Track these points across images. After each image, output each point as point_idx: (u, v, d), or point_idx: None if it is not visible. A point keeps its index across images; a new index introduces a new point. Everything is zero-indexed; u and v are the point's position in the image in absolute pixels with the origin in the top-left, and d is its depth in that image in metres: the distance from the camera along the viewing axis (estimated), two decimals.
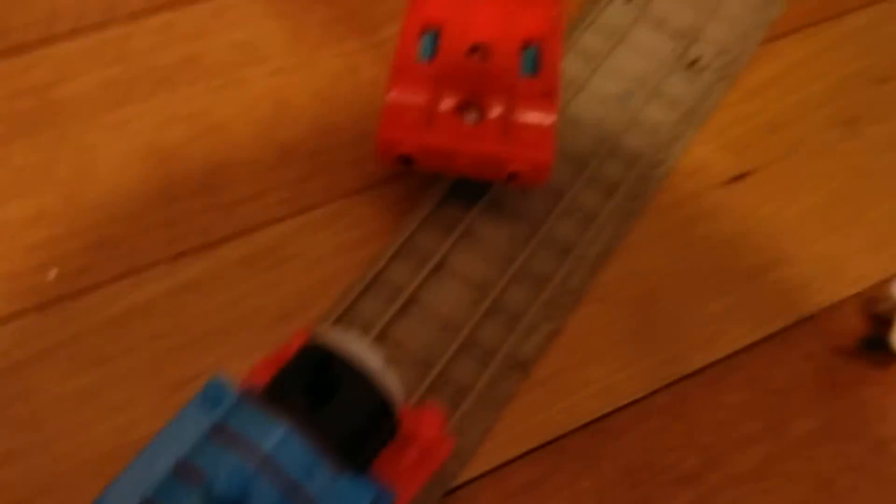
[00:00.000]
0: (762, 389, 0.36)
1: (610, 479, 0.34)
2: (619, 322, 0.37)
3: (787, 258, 0.39)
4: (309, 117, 0.40)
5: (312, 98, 0.41)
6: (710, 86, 0.42)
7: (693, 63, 0.43)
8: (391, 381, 0.27)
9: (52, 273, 0.36)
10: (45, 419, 0.33)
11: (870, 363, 0.37)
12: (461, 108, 0.36)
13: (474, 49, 0.36)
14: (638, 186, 0.39)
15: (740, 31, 0.44)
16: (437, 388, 0.34)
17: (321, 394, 0.26)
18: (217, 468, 0.24)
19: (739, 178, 0.41)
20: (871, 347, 0.37)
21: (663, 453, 0.35)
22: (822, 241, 0.40)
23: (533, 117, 0.35)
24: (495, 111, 0.35)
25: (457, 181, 0.38)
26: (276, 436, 0.24)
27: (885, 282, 0.38)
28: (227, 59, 0.41)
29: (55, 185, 0.38)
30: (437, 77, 0.35)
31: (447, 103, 0.35)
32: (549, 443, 0.34)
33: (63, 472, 0.32)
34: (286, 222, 0.38)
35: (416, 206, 0.38)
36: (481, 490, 0.33)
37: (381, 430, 0.27)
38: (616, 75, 0.42)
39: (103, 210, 0.37)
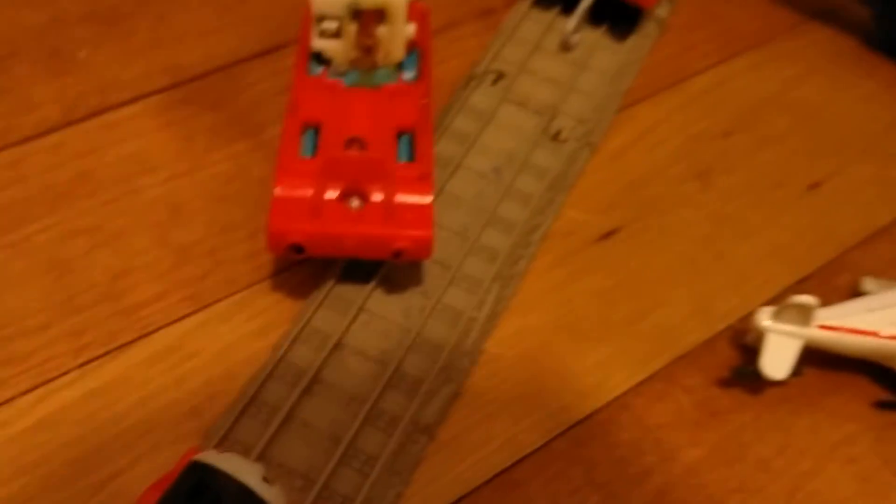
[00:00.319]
0: (650, 425, 0.39)
1: None
2: (514, 378, 0.40)
3: (659, 303, 0.43)
4: (203, 218, 0.43)
5: (206, 200, 0.43)
6: (574, 154, 0.46)
7: (556, 135, 0.46)
8: (270, 496, 0.28)
9: None
10: None
11: (744, 390, 0.41)
12: (345, 197, 0.38)
13: (352, 142, 0.39)
14: (517, 251, 0.42)
15: (596, 103, 0.48)
16: (346, 461, 0.36)
17: None
18: None
19: (609, 234, 0.45)
20: (743, 376, 0.40)
21: (566, 496, 0.37)
22: (690, 284, 0.44)
23: (412, 199, 0.38)
24: (377, 196, 0.38)
25: (349, 264, 0.41)
26: None
27: (750, 314, 0.42)
28: (119, 172, 0.43)
29: None
30: (319, 170, 0.38)
31: (331, 193, 0.38)
32: (461, 499, 0.36)
33: None
34: (189, 319, 0.40)
35: (312, 292, 0.40)
36: None
37: None
38: (488, 152, 0.45)
39: (11, 326, 0.38)
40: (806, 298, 0.38)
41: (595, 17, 0.52)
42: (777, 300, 0.41)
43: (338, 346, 0.39)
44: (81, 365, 0.38)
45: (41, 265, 0.40)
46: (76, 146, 0.44)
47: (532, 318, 0.42)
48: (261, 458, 0.35)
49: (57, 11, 0.49)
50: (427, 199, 0.38)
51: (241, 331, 0.40)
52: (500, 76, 0.48)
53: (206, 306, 0.40)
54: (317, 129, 0.40)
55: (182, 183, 0.44)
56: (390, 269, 0.41)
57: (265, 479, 0.29)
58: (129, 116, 0.46)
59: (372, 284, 0.40)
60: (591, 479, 0.38)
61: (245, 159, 0.45)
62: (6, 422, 0.36)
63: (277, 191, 0.38)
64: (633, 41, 0.52)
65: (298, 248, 0.37)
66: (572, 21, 0.50)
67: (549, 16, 0.52)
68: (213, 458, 0.29)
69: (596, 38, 0.51)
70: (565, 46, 0.50)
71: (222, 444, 0.36)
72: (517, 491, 0.37)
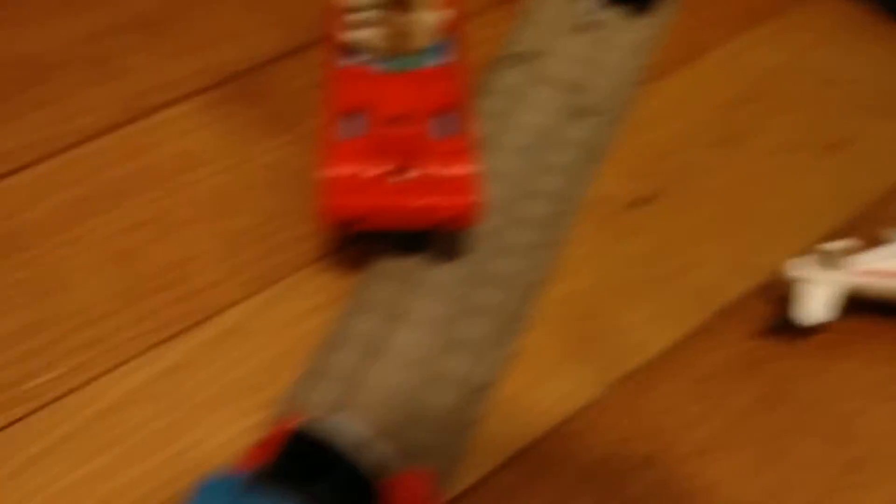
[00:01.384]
0: (696, 377, 0.41)
1: (580, 473, 0.38)
2: (565, 337, 0.41)
3: (697, 262, 0.44)
4: (254, 207, 0.45)
5: (254, 190, 0.45)
6: (603, 127, 0.48)
7: (585, 111, 0.48)
8: (375, 453, 0.30)
9: (40, 380, 0.39)
10: None
11: (783, 340, 0.42)
12: (391, 172, 0.40)
13: (394, 120, 0.41)
14: (558, 219, 0.44)
15: (620, 78, 0.50)
16: (413, 421, 0.38)
17: (308, 473, 0.29)
18: None
19: (644, 201, 0.47)
20: (781, 326, 0.42)
21: (623, 443, 0.39)
22: (725, 243, 0.45)
23: (456, 170, 0.40)
24: (422, 170, 0.40)
25: (398, 238, 0.42)
26: None
27: (783, 267, 0.44)
28: (172, 167, 0.46)
29: (35, 298, 0.41)
30: (365, 148, 0.40)
31: (377, 170, 0.40)
32: (526, 450, 0.38)
33: None
34: (248, 302, 0.42)
35: (364, 268, 0.42)
36: (473, 499, 0.37)
37: (366, 488, 0.30)
38: (522, 130, 0.47)
39: (81, 315, 0.40)
40: (836, 244, 0.40)
41: None
42: (807, 252, 0.42)
43: (393, 316, 0.40)
44: (151, 347, 0.40)
45: (107, 256, 0.42)
46: (129, 146, 0.46)
47: (577, 282, 0.43)
48: None
49: (101, 22, 0.51)
50: (471, 170, 0.40)
51: (298, 309, 0.41)
52: (525, 57, 0.50)
53: (262, 289, 0.42)
54: (358, 115, 0.42)
55: (231, 175, 0.46)
56: (438, 244, 0.43)
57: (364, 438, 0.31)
58: (176, 116, 0.48)
59: (421, 257, 0.42)
60: (644, 427, 0.39)
61: (287, 151, 0.47)
62: (86, 402, 0.38)
63: (327, 170, 0.39)
64: (652, 18, 0.54)
65: (351, 223, 0.39)
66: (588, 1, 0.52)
67: None
68: (313, 423, 0.31)
69: (615, 17, 0.53)
70: (585, 26, 0.52)
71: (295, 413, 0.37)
72: (574, 441, 0.39)
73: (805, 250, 0.43)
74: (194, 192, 0.45)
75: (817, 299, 0.41)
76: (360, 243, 0.43)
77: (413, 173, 0.40)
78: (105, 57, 0.49)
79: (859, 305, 0.42)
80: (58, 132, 0.46)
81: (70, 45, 0.50)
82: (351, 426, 0.31)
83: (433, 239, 0.43)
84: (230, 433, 0.38)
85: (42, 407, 0.38)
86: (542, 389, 0.40)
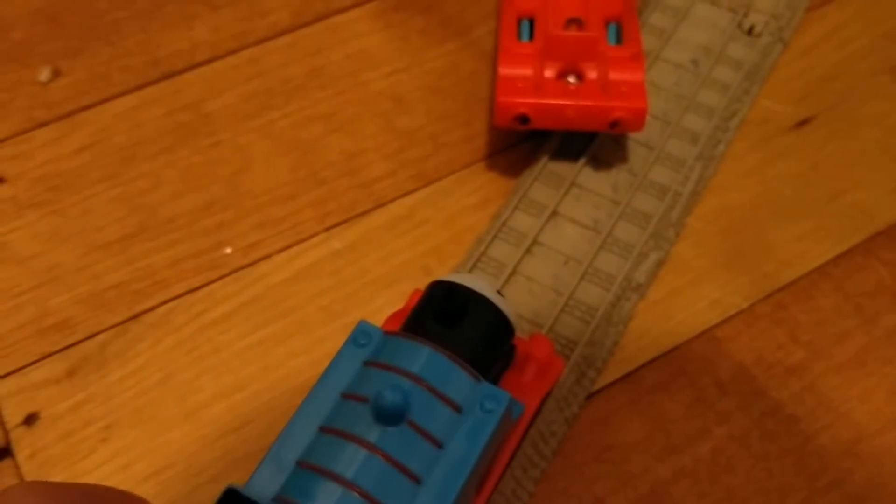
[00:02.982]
0: (850, 293, 0.41)
1: (727, 375, 0.39)
2: (717, 248, 0.42)
3: (855, 185, 0.45)
4: (423, 107, 0.47)
5: (424, 92, 0.47)
6: (767, 48, 0.48)
7: (750, 30, 0.49)
8: (506, 305, 0.32)
9: (228, 249, 0.42)
10: (247, 362, 0.39)
11: None
12: (563, 74, 0.42)
13: (568, 24, 0.42)
14: (717, 135, 0.45)
15: (787, 1, 0.50)
16: (568, 311, 0.39)
17: (450, 321, 0.31)
18: (379, 387, 0.27)
19: (803, 123, 0.47)
20: None
21: (771, 351, 0.40)
22: (886, 168, 0.45)
23: (625, 75, 0.41)
24: (592, 74, 0.41)
25: (561, 144, 0.44)
26: (420, 358, 0.28)
27: None
28: (346, 67, 0.48)
29: (219, 179, 0.44)
30: (538, 52, 0.42)
31: (550, 72, 0.41)
32: (671, 351, 0.40)
33: (261, 405, 0.38)
34: (416, 193, 0.44)
35: (524, 170, 0.44)
36: (618, 392, 0.38)
37: (503, 345, 0.32)
38: (684, 46, 0.48)
39: (263, 196, 0.44)
40: None
41: None
42: None
43: (553, 214, 0.42)
44: (327, 229, 0.43)
45: (285, 145, 0.45)
46: (306, 46, 0.49)
47: (732, 196, 0.44)
48: None
49: None
50: (639, 76, 0.41)
51: (463, 203, 0.44)
52: None
53: (430, 182, 0.44)
54: (530, 21, 0.44)
55: (402, 77, 0.48)
56: (598, 150, 0.44)
57: (498, 293, 0.32)
58: (351, 20, 0.50)
59: (582, 162, 0.44)
60: (793, 337, 0.40)
61: (456, 56, 0.49)
62: (266, 274, 0.41)
63: (502, 70, 0.41)
64: None
65: (524, 119, 0.40)
66: None
67: None
68: (454, 276, 0.33)
69: None
70: None
71: None
72: (724, 346, 0.40)
73: None
74: (367, 90, 0.47)
75: None
76: (524, 143, 0.45)
77: (586, 76, 0.41)
78: None
79: None
80: (244, 29, 0.49)
81: None
82: (488, 283, 0.32)
83: (590, 148, 0.44)
84: (399, 306, 0.40)
85: (226, 275, 0.41)
86: (693, 295, 0.41)
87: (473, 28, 0.50)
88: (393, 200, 0.44)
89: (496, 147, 0.46)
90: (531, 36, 0.43)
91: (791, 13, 0.49)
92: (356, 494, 0.26)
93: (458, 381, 0.28)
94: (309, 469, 0.26)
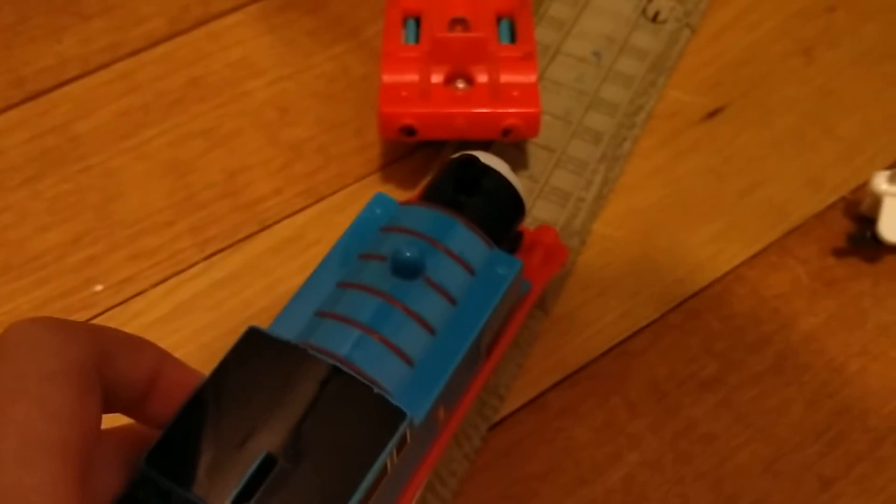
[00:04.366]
0: (766, 296, 0.39)
1: (639, 393, 0.37)
2: (625, 255, 0.40)
3: (769, 178, 0.42)
4: (311, 117, 0.44)
5: (312, 99, 0.44)
6: (674, 35, 0.46)
7: (655, 16, 0.46)
8: (519, 183, 0.33)
9: (99, 287, 0.39)
10: None
11: (861, 259, 0.40)
12: (451, 79, 0.39)
13: (454, 24, 0.40)
14: (622, 133, 0.42)
15: None
16: None
17: (466, 190, 0.31)
18: (396, 246, 0.28)
19: (714, 113, 0.44)
20: (860, 243, 0.40)
21: (684, 364, 0.38)
22: (800, 158, 0.43)
23: (518, 77, 0.38)
24: (482, 77, 0.39)
25: (456, 151, 0.41)
26: (436, 222, 0.29)
27: (865, 185, 0.41)
28: (228, 77, 0.45)
29: (89, 209, 0.41)
30: (424, 54, 0.39)
31: (437, 77, 0.39)
32: (579, 370, 0.37)
33: None
34: (305, 212, 0.41)
35: (421, 181, 0.41)
36: (523, 420, 0.36)
37: (515, 219, 0.33)
38: (586, 37, 0.45)
39: (136, 224, 0.40)
40: None
41: None
42: (891, 168, 0.40)
43: None
44: (207, 257, 0.40)
45: (161, 167, 0.42)
46: (184, 55, 0.45)
47: (641, 197, 0.42)
48: None
49: None
50: (532, 78, 0.38)
51: None
52: None
53: (320, 199, 0.41)
54: (417, 20, 0.41)
55: (288, 85, 0.45)
56: (498, 154, 0.41)
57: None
58: (232, 24, 0.47)
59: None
60: (708, 347, 0.38)
61: (346, 59, 0.46)
62: (140, 312, 0.38)
63: (385, 77, 0.38)
64: None
65: (410, 131, 0.38)
66: None
67: None
68: (472, 151, 0.33)
69: None
70: None
71: None
72: (635, 360, 0.38)
73: (890, 166, 0.41)
74: (251, 101, 0.44)
75: None
76: (422, 150, 0.42)
77: (475, 80, 0.39)
78: None
79: None
80: (117, 39, 0.46)
81: None
82: (505, 162, 0.33)
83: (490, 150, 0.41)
84: None
85: (97, 315, 0.38)
86: (601, 307, 0.39)
87: (364, 27, 0.47)
88: (279, 221, 0.41)
89: (392, 156, 0.43)
90: (417, 37, 0.40)
91: None
92: (375, 338, 0.26)
93: (473, 245, 0.30)
94: (328, 317, 0.27)
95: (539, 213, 0.40)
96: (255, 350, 0.26)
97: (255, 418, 0.24)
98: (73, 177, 0.41)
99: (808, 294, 0.39)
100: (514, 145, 0.41)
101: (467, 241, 0.29)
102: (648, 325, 0.38)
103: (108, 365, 0.22)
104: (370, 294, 0.27)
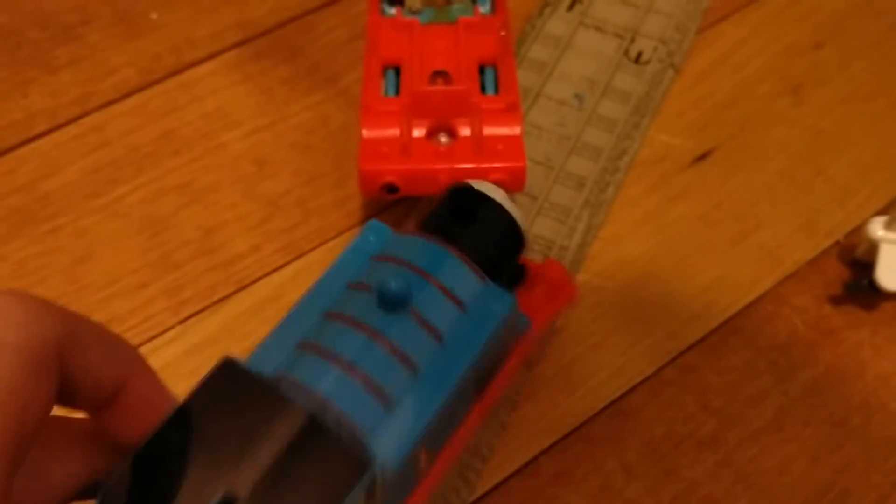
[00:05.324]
0: (763, 347, 0.38)
1: (636, 456, 0.35)
2: (616, 308, 0.39)
3: (762, 223, 0.41)
4: (289, 169, 0.42)
5: (290, 151, 0.43)
6: (657, 76, 0.45)
7: (637, 58, 0.45)
8: (518, 214, 0.32)
9: None
10: None
11: (859, 306, 0.39)
12: (433, 133, 0.37)
13: (435, 77, 0.38)
14: (605, 178, 0.41)
15: (676, 23, 0.46)
16: None
17: (462, 220, 0.30)
18: (383, 277, 0.27)
19: (703, 157, 0.43)
20: (857, 291, 0.39)
21: (681, 422, 0.36)
22: (792, 201, 0.42)
23: (501, 130, 0.37)
24: (465, 130, 0.37)
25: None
26: (427, 254, 0.28)
27: (859, 228, 0.40)
28: (202, 129, 0.43)
29: (57, 272, 0.39)
30: (405, 108, 0.37)
31: (419, 131, 0.37)
32: (572, 432, 0.36)
33: None
34: (285, 269, 0.39)
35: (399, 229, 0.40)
36: (515, 487, 0.35)
37: (513, 252, 0.32)
38: (567, 80, 0.44)
39: (108, 288, 0.39)
40: None
41: None
42: (885, 211, 0.39)
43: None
44: (183, 321, 0.38)
45: (134, 225, 0.40)
46: (157, 106, 0.44)
47: (630, 246, 0.41)
48: None
49: None
50: (517, 130, 0.37)
51: None
52: (575, 1, 0.47)
53: (300, 255, 0.40)
54: (397, 70, 0.40)
55: (265, 136, 0.43)
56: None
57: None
58: (206, 74, 0.45)
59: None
60: (705, 404, 0.37)
61: (325, 108, 0.44)
62: None
63: (365, 132, 0.37)
64: None
65: (392, 188, 0.36)
66: None
67: None
68: (471, 181, 0.32)
69: None
70: None
71: None
72: (631, 419, 0.36)
73: (883, 210, 0.40)
74: (226, 154, 0.43)
75: None
76: (404, 201, 0.41)
77: (458, 134, 0.37)
78: (130, 13, 0.47)
79: None
80: (86, 91, 0.44)
81: (93, 2, 0.47)
82: (503, 192, 0.32)
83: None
84: None
85: None
86: (594, 363, 0.37)
87: (342, 75, 0.45)
88: (258, 280, 0.39)
89: (373, 209, 0.41)
90: (398, 88, 0.39)
91: (681, 36, 0.46)
92: (354, 376, 0.25)
93: (464, 279, 0.28)
94: (309, 350, 0.26)
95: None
96: (228, 384, 0.25)
97: (220, 458, 0.23)
98: (41, 238, 0.40)
99: (806, 345, 0.38)
100: None
101: (459, 273, 0.28)
102: (643, 382, 0.37)
103: (77, 353, 0.21)
104: (353, 328, 0.26)
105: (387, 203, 0.41)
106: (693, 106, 0.45)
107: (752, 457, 0.36)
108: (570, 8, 0.46)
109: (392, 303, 0.26)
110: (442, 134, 0.37)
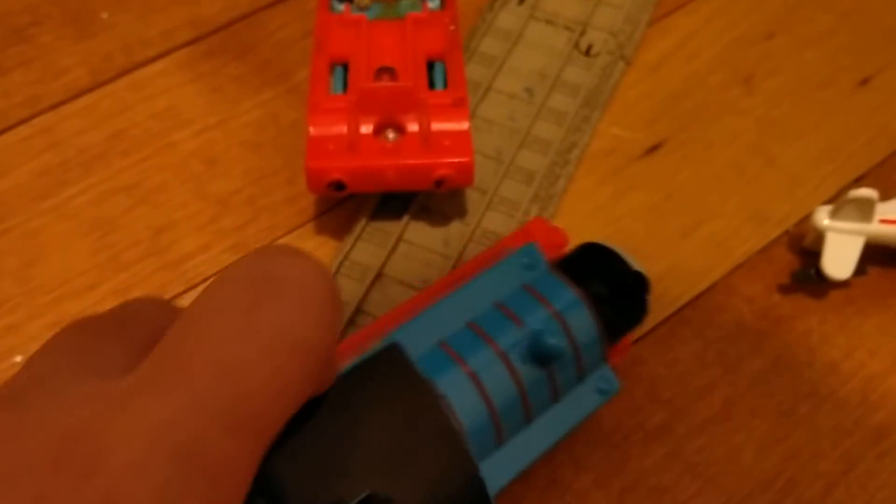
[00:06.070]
0: (712, 337, 0.38)
1: (584, 448, 0.36)
2: None
3: (711, 214, 0.42)
4: (240, 167, 0.42)
5: (240, 149, 0.43)
6: (608, 68, 0.45)
7: (588, 50, 0.45)
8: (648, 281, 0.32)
9: (18, 358, 0.37)
10: None
11: (807, 295, 0.40)
12: (380, 130, 0.37)
13: (381, 73, 0.38)
14: (555, 171, 0.41)
15: (626, 14, 0.46)
16: None
17: (614, 293, 0.31)
18: (529, 315, 0.28)
19: (654, 149, 0.43)
20: (804, 280, 0.39)
21: (630, 414, 0.36)
22: (742, 191, 0.42)
23: (448, 126, 0.37)
24: (412, 126, 0.37)
25: (386, 197, 0.40)
26: (581, 321, 0.29)
27: (806, 218, 0.41)
28: (152, 128, 0.43)
29: (7, 274, 0.39)
30: (352, 105, 0.37)
31: (366, 127, 0.37)
32: None
33: None
34: None
35: (356, 227, 0.40)
36: None
37: (632, 328, 0.32)
38: (518, 73, 0.44)
39: (57, 289, 0.38)
40: (866, 192, 0.37)
41: None
42: (833, 201, 0.39)
43: (379, 276, 0.38)
44: None
45: (84, 226, 0.40)
46: (107, 107, 0.44)
47: (581, 238, 0.40)
48: None
49: None
50: (464, 125, 0.37)
51: None
52: None
53: None
54: (345, 66, 0.40)
55: (215, 134, 0.43)
56: (427, 199, 0.40)
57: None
58: (157, 73, 0.45)
59: (409, 215, 0.40)
60: (654, 395, 0.37)
61: (275, 106, 0.44)
62: None
63: (312, 130, 0.37)
64: None
65: (339, 186, 0.36)
66: None
67: None
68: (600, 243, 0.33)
69: None
70: None
71: None
72: None
73: (831, 200, 0.40)
74: (176, 153, 0.42)
75: (850, 251, 0.38)
76: (351, 203, 0.41)
77: (406, 129, 0.37)
78: (81, 12, 0.47)
79: (886, 254, 0.40)
80: (36, 92, 0.44)
81: (43, 2, 0.47)
82: (632, 258, 0.32)
83: (418, 198, 0.40)
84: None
85: None
86: None
87: (294, 71, 0.45)
88: (208, 279, 0.39)
89: (324, 205, 0.41)
90: (345, 85, 0.39)
91: (632, 28, 0.46)
92: (487, 407, 0.26)
93: (595, 354, 0.30)
94: (453, 358, 0.27)
95: (472, 255, 0.38)
96: (390, 369, 0.25)
97: (368, 448, 0.23)
98: None
99: (755, 334, 0.39)
100: (443, 194, 0.40)
101: (595, 349, 0.29)
102: None
103: None
104: (500, 359, 0.27)
105: (337, 200, 0.41)
106: (644, 98, 0.45)
107: (700, 447, 0.36)
108: (521, 1, 0.46)
109: (544, 359, 0.28)
110: (389, 130, 0.37)
